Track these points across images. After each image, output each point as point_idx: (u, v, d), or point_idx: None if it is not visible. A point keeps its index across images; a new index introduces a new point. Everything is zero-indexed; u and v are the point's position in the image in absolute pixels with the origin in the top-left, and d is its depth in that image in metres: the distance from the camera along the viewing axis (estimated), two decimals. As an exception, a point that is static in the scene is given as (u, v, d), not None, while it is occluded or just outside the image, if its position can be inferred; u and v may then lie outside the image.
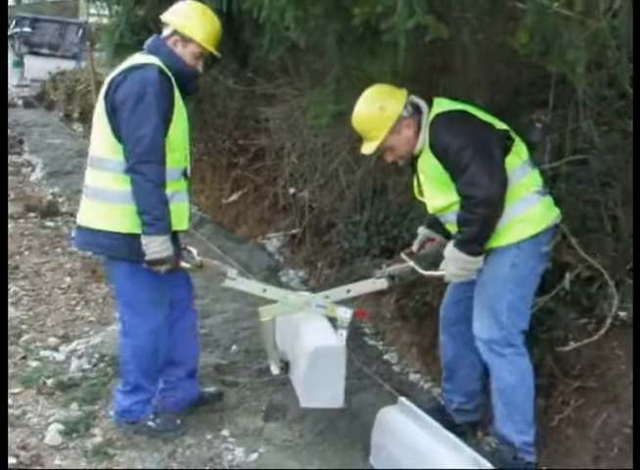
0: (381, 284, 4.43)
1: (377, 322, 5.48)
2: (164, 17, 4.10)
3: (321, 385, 4.10)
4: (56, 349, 5.32)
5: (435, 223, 4.30)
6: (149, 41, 4.10)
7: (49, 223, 8.38)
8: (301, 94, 6.75)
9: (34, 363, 5.02)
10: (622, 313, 4.04)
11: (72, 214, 8.71)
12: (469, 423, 4.44)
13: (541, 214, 3.89)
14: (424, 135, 3.89)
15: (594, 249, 4.24)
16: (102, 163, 3.87)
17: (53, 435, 4.18)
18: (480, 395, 4.41)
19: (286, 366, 4.46)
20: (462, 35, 4.34)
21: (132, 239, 3.78)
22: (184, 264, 4.02)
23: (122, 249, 3.84)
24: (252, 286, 4.40)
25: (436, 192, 3.96)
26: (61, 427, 4.26)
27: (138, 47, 7.26)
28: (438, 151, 3.83)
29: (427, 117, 3.90)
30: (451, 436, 3.62)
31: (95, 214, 3.89)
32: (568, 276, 4.28)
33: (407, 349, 5.38)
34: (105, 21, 10.22)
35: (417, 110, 3.96)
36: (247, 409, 4.61)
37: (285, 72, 6.75)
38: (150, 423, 4.24)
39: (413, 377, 5.14)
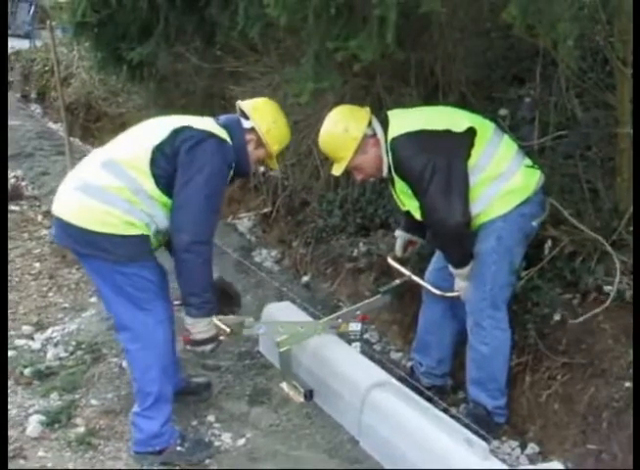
0: (385, 299, 4.70)
1: (355, 301, 5.40)
2: (249, 108, 3.98)
3: None
4: (31, 337, 5.23)
5: (412, 225, 4.41)
6: (228, 118, 3.94)
7: (14, 207, 8.10)
8: (271, 72, 6.65)
9: (10, 352, 4.90)
10: (607, 287, 4.02)
11: (37, 198, 8.56)
12: (436, 387, 4.49)
13: (522, 183, 3.96)
14: (387, 158, 3.98)
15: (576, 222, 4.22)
16: (124, 174, 3.63)
17: (34, 426, 4.11)
18: (448, 363, 4.52)
19: (310, 394, 4.42)
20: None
21: (127, 240, 3.66)
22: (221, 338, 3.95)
23: (119, 251, 3.66)
24: (271, 328, 4.48)
25: (415, 206, 4.04)
26: (42, 418, 4.19)
27: (99, 25, 7.20)
28: (401, 175, 3.97)
29: (384, 138, 3.98)
30: (445, 417, 3.65)
31: (98, 218, 3.62)
32: (547, 245, 4.28)
33: (387, 327, 5.36)
34: (59, -1, 10.00)
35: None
36: (230, 394, 4.55)
37: (253, 50, 6.63)
38: (179, 448, 3.92)
39: (395, 356, 5.12)
